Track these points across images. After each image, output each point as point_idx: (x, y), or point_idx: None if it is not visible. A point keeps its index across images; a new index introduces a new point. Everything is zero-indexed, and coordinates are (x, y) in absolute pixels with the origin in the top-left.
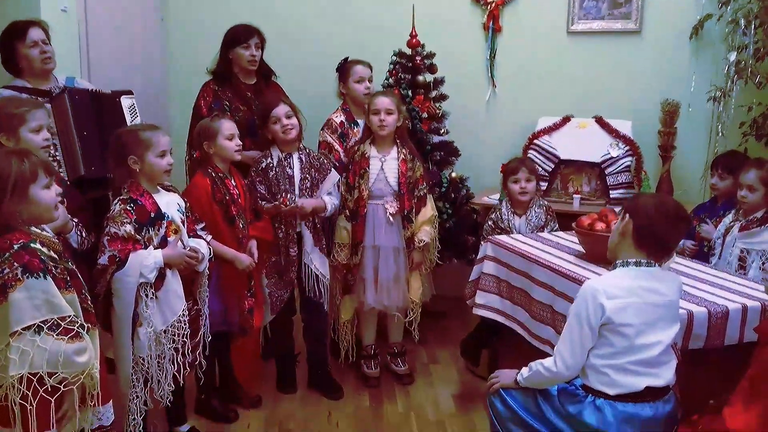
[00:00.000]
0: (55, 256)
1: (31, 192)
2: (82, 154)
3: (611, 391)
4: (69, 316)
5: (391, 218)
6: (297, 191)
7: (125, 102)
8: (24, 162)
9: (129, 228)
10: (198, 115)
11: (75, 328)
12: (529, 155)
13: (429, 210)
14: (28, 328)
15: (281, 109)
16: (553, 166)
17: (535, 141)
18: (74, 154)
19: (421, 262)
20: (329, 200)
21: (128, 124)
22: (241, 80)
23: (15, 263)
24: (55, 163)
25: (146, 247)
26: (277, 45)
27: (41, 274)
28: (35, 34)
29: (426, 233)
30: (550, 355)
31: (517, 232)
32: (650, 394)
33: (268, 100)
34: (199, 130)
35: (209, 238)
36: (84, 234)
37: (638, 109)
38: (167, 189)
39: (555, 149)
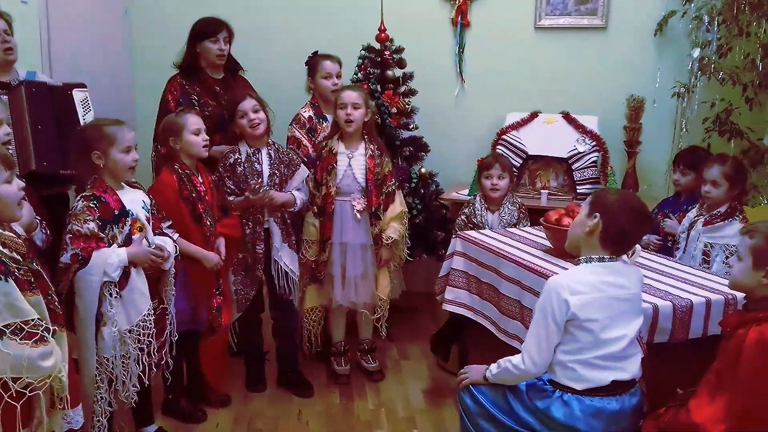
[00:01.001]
0: (18, 257)
1: None
2: (34, 148)
3: (578, 386)
4: (33, 320)
5: (358, 215)
6: (266, 186)
7: (77, 95)
8: None
9: (92, 225)
10: (165, 110)
11: (39, 331)
12: (497, 151)
13: (398, 206)
14: None
15: (248, 104)
16: (521, 161)
17: (504, 136)
18: (27, 148)
19: (389, 259)
20: (298, 195)
21: (80, 118)
22: (208, 74)
23: None
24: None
25: (110, 245)
26: (246, 38)
27: (2, 277)
28: None
29: (394, 230)
30: (519, 350)
31: (490, 228)
32: (617, 387)
33: (235, 94)
34: (165, 125)
35: (176, 236)
36: (48, 232)
37: (604, 105)
38: (132, 186)
39: (523, 145)
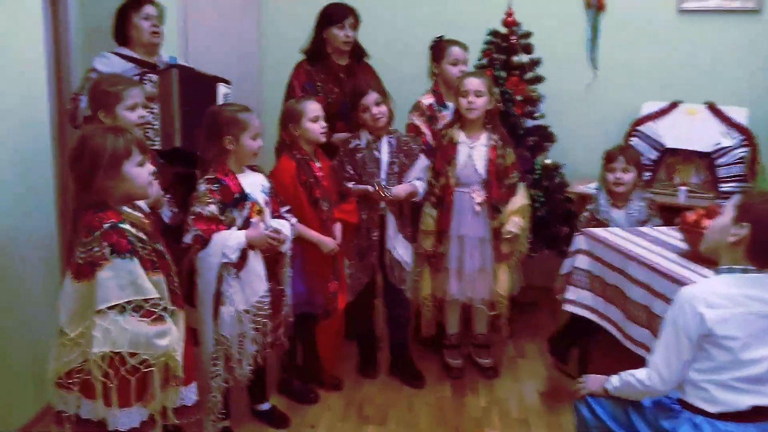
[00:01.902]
0: (144, 237)
1: (125, 169)
2: (180, 126)
3: (712, 409)
4: (153, 299)
5: (477, 207)
6: (384, 175)
7: (221, 89)
8: (119, 139)
9: (213, 208)
10: (291, 96)
11: (157, 311)
12: (631, 142)
13: (520, 199)
14: (113, 307)
15: (370, 98)
16: (657, 155)
17: (639, 127)
18: (172, 126)
19: (508, 254)
20: (420, 185)
21: None
22: (334, 60)
23: (104, 242)
24: (151, 131)
25: (229, 228)
26: (369, 22)
27: (128, 255)
28: (149, 8)
29: (514, 224)
30: (644, 358)
31: (616, 226)
32: (757, 413)
33: (358, 86)
34: (285, 112)
35: (294, 220)
36: (176, 209)
37: (756, 96)
38: (252, 169)
39: (660, 137)
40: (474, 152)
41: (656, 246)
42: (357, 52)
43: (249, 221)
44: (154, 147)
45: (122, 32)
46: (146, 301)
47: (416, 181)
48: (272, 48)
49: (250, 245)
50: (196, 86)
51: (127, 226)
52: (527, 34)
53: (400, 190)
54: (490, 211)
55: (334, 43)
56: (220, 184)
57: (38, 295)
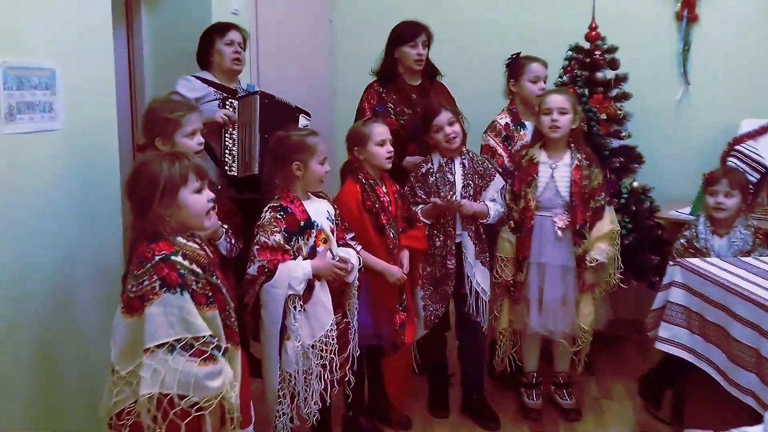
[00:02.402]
0: (198, 270)
1: (181, 196)
2: (259, 154)
3: None
4: (204, 337)
5: (559, 232)
6: (458, 198)
7: (302, 121)
8: (175, 165)
9: (278, 237)
10: (361, 118)
11: (209, 349)
12: (729, 163)
13: (607, 224)
14: (161, 345)
15: (443, 118)
16: (758, 176)
17: (737, 147)
18: (251, 152)
19: (593, 284)
20: (492, 206)
21: None
22: (405, 81)
23: (154, 275)
24: (230, 157)
25: (295, 258)
26: (443, 40)
27: (178, 290)
28: (234, 35)
29: (600, 251)
30: (752, 408)
31: (717, 256)
32: None
33: (429, 106)
34: (351, 134)
35: (359, 248)
36: (233, 241)
37: None
38: (318, 196)
39: (761, 157)
40: (556, 173)
41: (765, 280)
42: (429, 71)
43: (315, 250)
44: (231, 173)
45: (205, 56)
46: (197, 339)
47: (489, 202)
48: (344, 71)
49: (317, 276)
50: (277, 114)
51: (179, 259)
52: (612, 49)
53: (468, 203)
54: (574, 237)
55: (406, 63)
56: (286, 211)
57: (97, 328)
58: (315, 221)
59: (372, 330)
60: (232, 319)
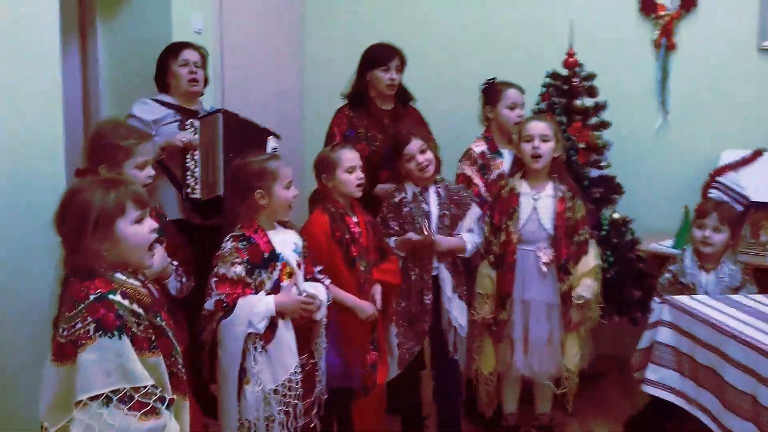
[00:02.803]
0: (140, 311)
1: (118, 228)
2: (225, 175)
3: None
4: (145, 387)
5: (544, 268)
6: (434, 228)
7: (270, 143)
8: (109, 193)
9: (239, 269)
10: (331, 144)
11: (151, 402)
12: (710, 195)
13: (591, 259)
14: (96, 397)
15: (414, 146)
16: (741, 209)
17: (718, 178)
18: (215, 173)
19: (579, 322)
20: (469, 238)
21: None
22: (377, 105)
23: (88, 317)
24: (192, 179)
25: (257, 292)
26: (418, 61)
27: (116, 333)
28: (189, 54)
29: (586, 288)
30: None
31: (703, 292)
32: None
33: (400, 135)
34: (318, 161)
35: (328, 281)
36: (184, 279)
37: None
38: (285, 226)
39: (743, 189)
40: (539, 204)
41: (758, 320)
42: (402, 96)
43: (279, 285)
44: (194, 196)
45: (162, 79)
46: (137, 389)
47: (466, 234)
48: (314, 93)
49: (281, 313)
50: (243, 134)
51: (117, 298)
52: (591, 76)
53: (443, 240)
54: (559, 272)
55: (378, 87)
56: (249, 242)
57: (28, 379)
58: (280, 253)
59: (341, 370)
60: (179, 366)
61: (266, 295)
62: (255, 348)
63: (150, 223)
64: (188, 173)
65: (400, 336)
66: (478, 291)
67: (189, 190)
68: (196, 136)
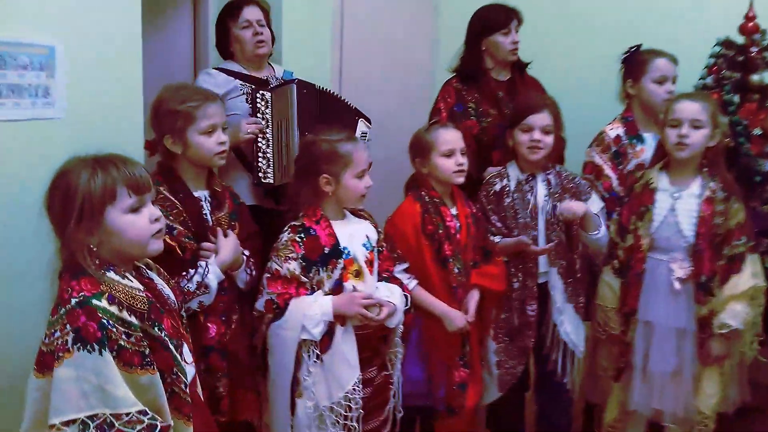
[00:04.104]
0: (131, 319)
1: (109, 217)
2: None
3: None
4: (128, 414)
5: (677, 284)
6: (542, 226)
7: (360, 126)
8: (96, 175)
9: (294, 266)
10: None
11: (135, 431)
12: None
13: (746, 279)
14: (71, 422)
15: (540, 119)
16: None
17: None
18: (289, 154)
19: (722, 357)
20: (599, 217)
21: None
22: (491, 77)
23: (67, 325)
24: (264, 162)
25: (313, 293)
26: (538, 26)
27: (97, 347)
28: (250, 13)
29: (735, 315)
30: None
31: None
32: None
33: (531, 99)
34: (412, 142)
35: (413, 283)
36: (254, 272)
37: None
38: (357, 215)
39: None
40: (679, 205)
41: None
42: (518, 63)
43: (342, 285)
44: (267, 181)
45: (224, 46)
46: (117, 417)
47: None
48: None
49: (339, 317)
50: (325, 110)
51: (102, 303)
52: None
53: (573, 205)
54: (697, 292)
55: (498, 54)
56: (308, 233)
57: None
58: (345, 248)
59: (422, 387)
60: (183, 385)
61: (324, 296)
62: (309, 357)
63: (150, 212)
64: (260, 154)
65: (500, 353)
66: (598, 303)
67: (261, 174)
68: (268, 110)
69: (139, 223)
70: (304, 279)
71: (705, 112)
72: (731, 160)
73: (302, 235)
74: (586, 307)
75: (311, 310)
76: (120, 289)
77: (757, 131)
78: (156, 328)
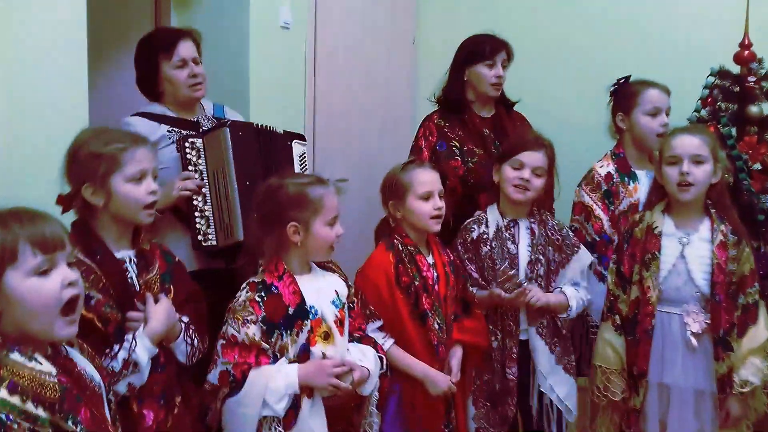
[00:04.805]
0: (38, 411)
1: (7, 282)
2: (242, 212)
3: None
4: None
5: (693, 341)
6: (522, 278)
7: (296, 148)
8: None
9: (253, 330)
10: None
11: None
12: None
13: (762, 329)
14: None
15: (534, 159)
16: None
17: None
18: (231, 212)
19: (741, 417)
20: (574, 295)
21: None
22: (475, 112)
23: None
24: (203, 222)
25: (276, 360)
26: (527, 61)
27: None
28: (185, 49)
29: (754, 371)
30: None
31: None
32: None
33: (526, 135)
34: (385, 183)
35: (388, 343)
36: (195, 341)
37: None
38: (324, 267)
39: None
40: (689, 251)
41: None
42: (505, 99)
43: (308, 351)
44: (209, 243)
45: (151, 86)
46: None
47: (569, 287)
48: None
49: (306, 388)
50: (260, 149)
51: (2, 394)
52: None
53: (541, 294)
54: (716, 347)
55: (479, 87)
56: (269, 291)
57: None
58: (312, 307)
59: None
60: None
61: (288, 363)
62: None
63: (63, 274)
64: (196, 213)
65: (479, 420)
66: (597, 364)
67: (201, 236)
68: (201, 160)
69: (47, 288)
70: (265, 345)
71: (706, 146)
72: (732, 198)
73: (263, 294)
74: (578, 362)
75: (274, 382)
76: (25, 375)
77: (757, 166)
78: (70, 422)
